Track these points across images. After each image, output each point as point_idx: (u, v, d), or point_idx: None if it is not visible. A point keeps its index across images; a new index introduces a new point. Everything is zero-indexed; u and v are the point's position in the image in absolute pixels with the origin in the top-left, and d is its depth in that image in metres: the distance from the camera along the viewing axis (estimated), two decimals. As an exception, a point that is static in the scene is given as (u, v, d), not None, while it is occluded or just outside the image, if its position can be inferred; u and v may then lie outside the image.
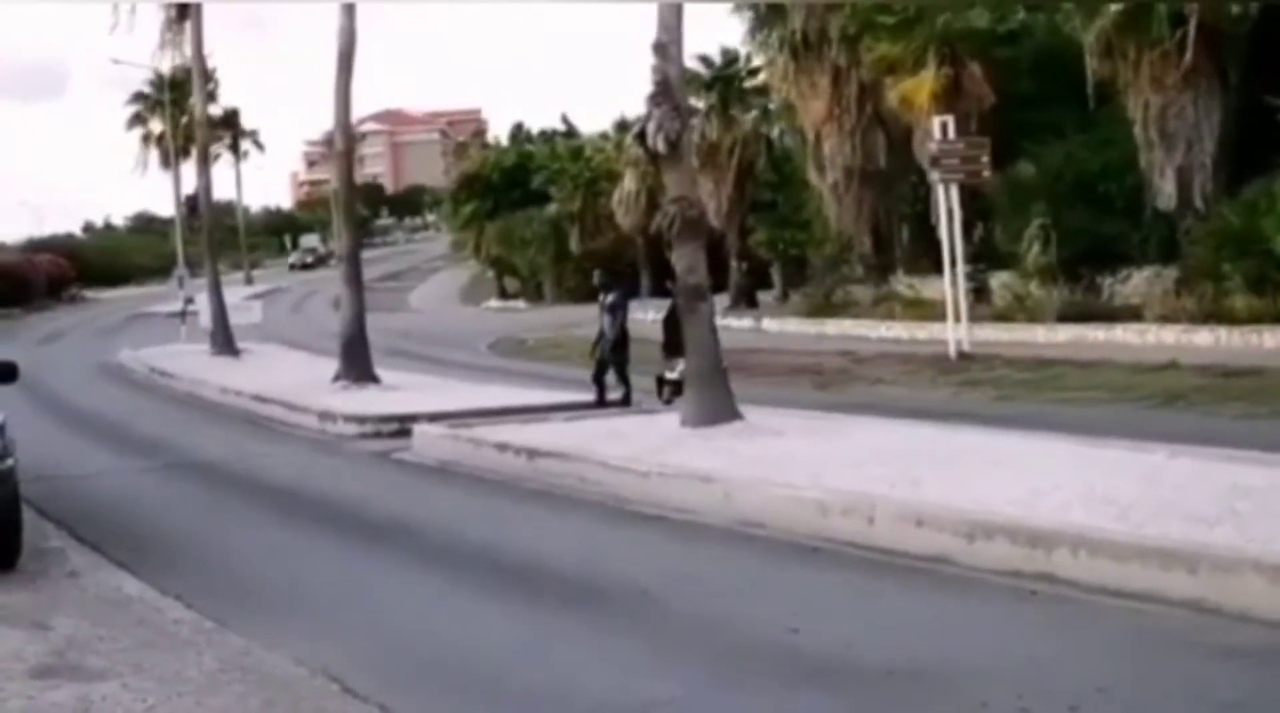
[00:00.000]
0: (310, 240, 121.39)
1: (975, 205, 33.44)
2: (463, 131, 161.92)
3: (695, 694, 8.02)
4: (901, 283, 39.76)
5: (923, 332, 33.65)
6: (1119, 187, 32.76)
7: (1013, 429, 16.46)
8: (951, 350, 29.29)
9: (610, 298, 23.47)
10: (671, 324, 21.55)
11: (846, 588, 10.40)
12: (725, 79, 51.76)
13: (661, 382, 22.24)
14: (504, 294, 74.00)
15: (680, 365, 20.27)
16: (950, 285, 30.13)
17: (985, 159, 30.75)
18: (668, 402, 21.42)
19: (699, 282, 17.99)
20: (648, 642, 9.19)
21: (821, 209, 41.71)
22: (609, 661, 8.78)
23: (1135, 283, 32.85)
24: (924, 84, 35.41)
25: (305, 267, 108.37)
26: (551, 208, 67.46)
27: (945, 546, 10.74)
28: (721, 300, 38.20)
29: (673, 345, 21.25)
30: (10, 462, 12.07)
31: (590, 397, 22.64)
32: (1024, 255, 33.91)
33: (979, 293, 34.34)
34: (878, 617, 9.54)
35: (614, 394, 22.64)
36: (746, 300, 48.27)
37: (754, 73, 50.10)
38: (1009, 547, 10.30)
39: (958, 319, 29.97)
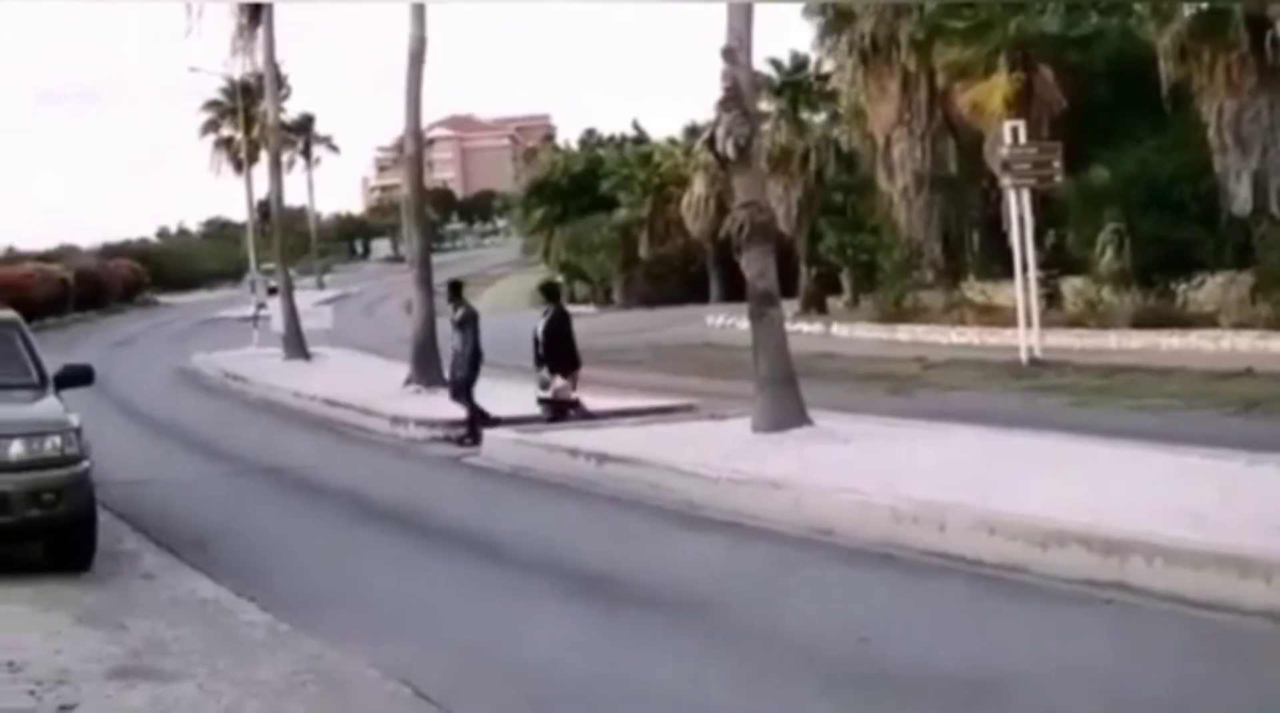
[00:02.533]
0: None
1: (1047, 211, 33.19)
2: (531, 137, 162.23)
3: (764, 703, 8.00)
4: (972, 288, 39.50)
5: (994, 338, 33.42)
6: (1193, 191, 32.43)
7: (1086, 436, 16.31)
8: (1023, 356, 29.08)
9: (459, 313, 21.91)
10: (555, 334, 20.56)
11: (918, 596, 10.35)
12: (795, 83, 51.62)
13: (551, 403, 20.55)
14: (573, 299, 74.00)
15: (557, 382, 20.10)
16: (1022, 291, 29.91)
17: (1057, 164, 30.50)
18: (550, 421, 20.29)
19: (769, 287, 17.95)
20: (718, 649, 9.18)
21: (891, 214, 41.52)
22: (677, 668, 8.77)
23: (1209, 289, 32.50)
24: (996, 89, 35.18)
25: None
26: (621, 213, 67.47)
27: (1018, 554, 10.66)
28: (791, 306, 38.06)
29: (552, 359, 20.38)
30: (86, 464, 12.20)
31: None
32: (1097, 261, 33.63)
33: (1051, 299, 34.08)
34: (949, 625, 9.48)
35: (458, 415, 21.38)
36: (816, 306, 48.08)
37: (824, 77, 49.95)
38: (1083, 555, 10.21)
39: (1029, 325, 29.75)
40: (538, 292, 22.88)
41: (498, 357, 37.97)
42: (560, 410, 20.26)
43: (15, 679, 8.57)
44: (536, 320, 21.07)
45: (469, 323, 21.59)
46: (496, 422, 20.47)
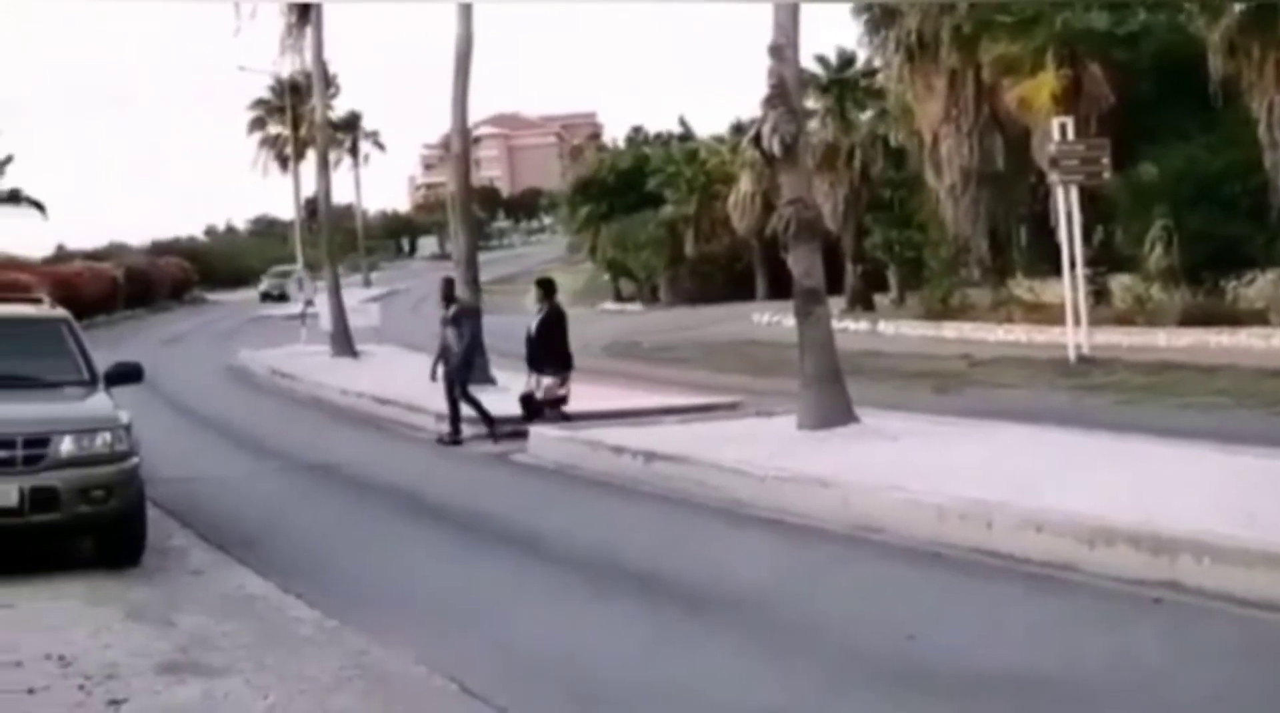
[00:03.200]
0: (285, 268, 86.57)
1: (1095, 207, 33.01)
2: (578, 135, 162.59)
3: (810, 701, 7.99)
4: (1020, 286, 39.32)
5: (1041, 335, 33.27)
6: (1242, 188, 32.19)
7: (1134, 434, 16.23)
8: (1071, 354, 28.94)
9: (453, 310, 21.72)
10: (549, 333, 20.43)
11: (965, 594, 10.32)
12: (842, 81, 51.53)
13: (528, 401, 20.51)
14: (619, 296, 74.14)
15: (546, 381, 20.05)
16: (1070, 288, 29.76)
17: (1105, 160, 30.34)
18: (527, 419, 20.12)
19: (815, 284, 17.93)
20: (763, 647, 9.17)
21: (938, 211, 41.38)
22: (724, 665, 8.77)
23: (1260, 286, 32.26)
24: (1043, 85, 35.01)
25: (279, 297, 77.85)
26: (667, 210, 67.48)
27: (1066, 552, 10.62)
28: (837, 303, 37.98)
29: (545, 358, 20.30)
30: (135, 460, 12.29)
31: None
32: (1145, 258, 33.43)
33: (1099, 296, 33.91)
34: (996, 624, 9.44)
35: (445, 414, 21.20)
36: (862, 303, 47.98)
37: (871, 74, 49.83)
38: (1131, 553, 10.16)
39: (1077, 322, 29.60)
40: (535, 288, 22.21)
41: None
42: (537, 410, 20.18)
43: (65, 674, 8.64)
44: (531, 318, 21.13)
45: (464, 319, 21.53)
46: (457, 437, 20.59)
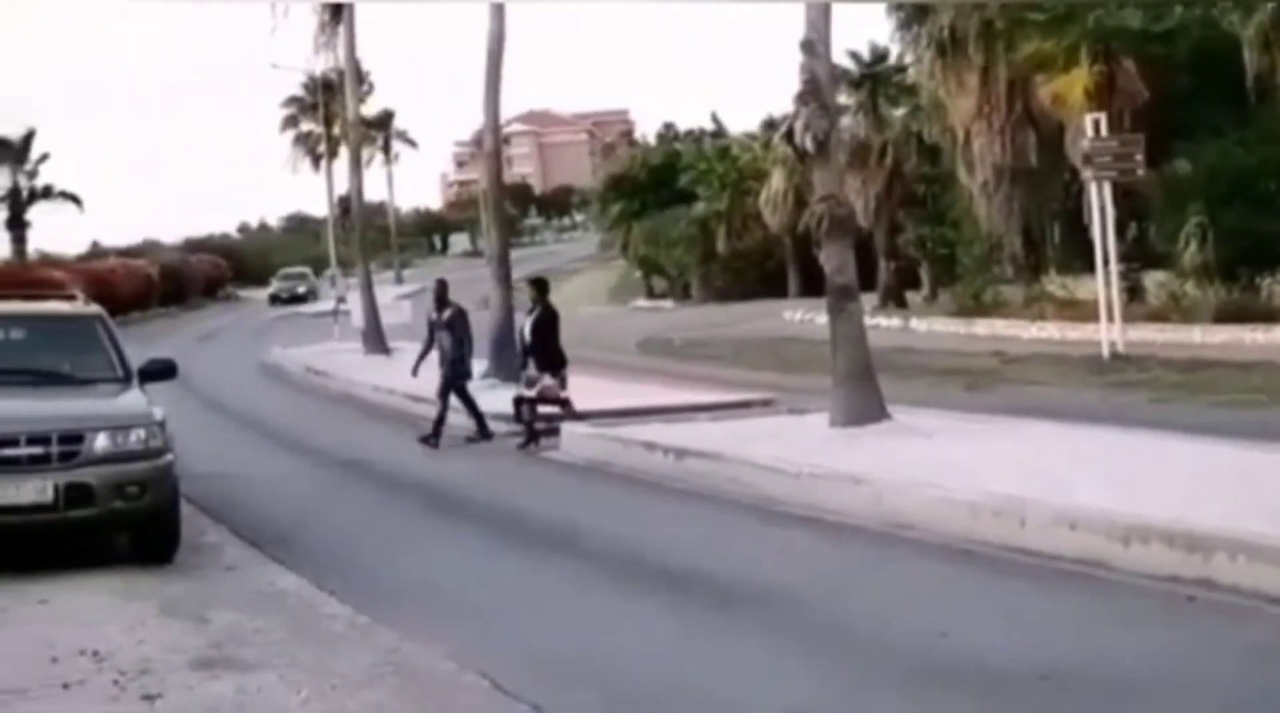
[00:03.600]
0: (295, 270, 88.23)
1: (1129, 204, 32.87)
2: (609, 132, 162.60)
3: (841, 699, 7.98)
4: (1053, 282, 39.17)
5: (1075, 332, 33.14)
6: (1278, 184, 32.01)
7: (1168, 431, 16.15)
8: (1104, 351, 28.82)
9: (447, 314, 21.40)
10: (543, 332, 20.05)
11: (998, 592, 10.30)
12: (874, 76, 51.43)
13: (521, 402, 20.15)
14: (651, 294, 74.08)
15: (545, 380, 19.71)
16: (1103, 285, 29.63)
17: (1139, 157, 30.19)
18: (528, 424, 19.88)
19: (848, 281, 17.89)
20: (795, 645, 9.16)
21: (971, 208, 41.26)
22: (755, 663, 8.76)
23: (1295, 283, 32.08)
24: (1077, 81, 34.87)
25: (289, 300, 77.96)
26: (699, 207, 67.37)
27: (1099, 549, 10.58)
28: (869, 300, 37.91)
29: (539, 357, 19.94)
30: (170, 457, 12.34)
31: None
32: (1179, 254, 33.26)
33: (1133, 293, 33.75)
34: (1029, 621, 9.42)
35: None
36: (895, 300, 47.85)
37: (903, 70, 49.72)
38: (1166, 551, 10.11)
39: (1111, 319, 29.47)
40: (527, 286, 21.46)
41: (577, 350, 38.13)
42: (531, 409, 19.91)
43: (100, 669, 8.68)
44: (525, 317, 20.67)
45: (458, 322, 21.22)
46: (431, 441, 20.33)
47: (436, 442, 20.33)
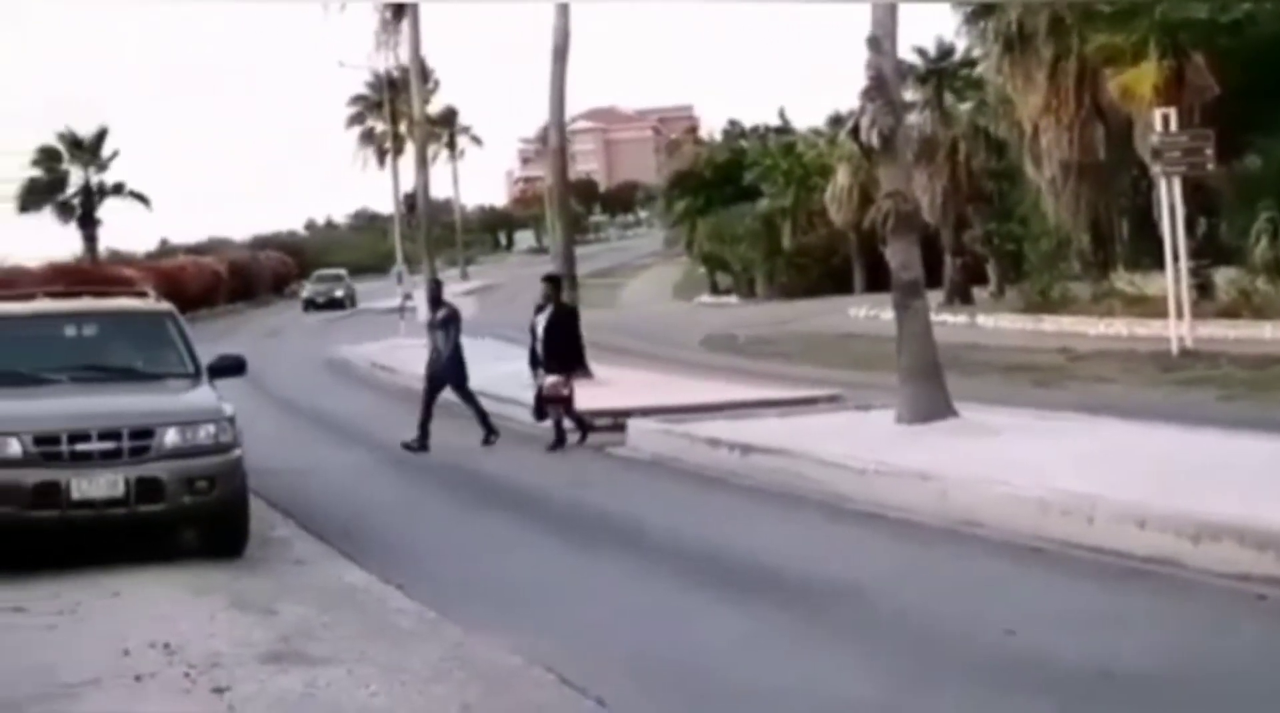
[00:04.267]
0: (331, 272, 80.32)
1: (1199, 199, 32.56)
2: (674, 129, 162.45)
3: (908, 696, 7.95)
4: (1121, 279, 38.87)
5: (1143, 329, 32.87)
6: (1352, 180, 31.68)
7: (1238, 429, 16.00)
8: (1173, 348, 28.58)
9: (441, 314, 20.95)
10: (559, 333, 19.69)
11: (1065, 590, 10.24)
12: (940, 72, 51.18)
13: (540, 399, 19.71)
14: (716, 290, 74.04)
15: (549, 379, 19.24)
16: (1172, 281, 29.39)
17: (1209, 152, 29.91)
18: (554, 424, 19.46)
19: (914, 277, 17.83)
20: (861, 641, 9.14)
21: (1039, 203, 41.02)
22: (820, 659, 8.75)
23: (1369, 279, 31.73)
24: (1145, 75, 34.57)
25: (325, 305, 71.77)
26: (764, 203, 67.27)
27: (1168, 547, 10.49)
28: (935, 296, 37.74)
29: (555, 357, 19.41)
30: (238, 452, 12.46)
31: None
32: (1250, 250, 32.94)
33: (1203, 289, 33.41)
34: (1097, 620, 9.35)
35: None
36: (961, 296, 47.63)
37: (970, 65, 49.44)
38: (1236, 549, 10.03)
39: (1180, 316, 29.21)
40: (542, 284, 20.77)
41: (645, 345, 38.14)
42: (566, 410, 19.55)
43: (171, 662, 8.78)
44: (535, 316, 20.09)
45: (452, 323, 20.79)
46: (421, 445, 19.84)
47: (421, 445, 19.84)
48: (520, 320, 49.16)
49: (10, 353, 13.24)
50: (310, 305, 71.83)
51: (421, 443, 19.89)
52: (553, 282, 20.93)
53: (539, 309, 20.10)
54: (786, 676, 8.39)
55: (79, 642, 9.46)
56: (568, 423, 19.60)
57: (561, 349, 19.70)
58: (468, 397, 20.84)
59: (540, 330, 19.67)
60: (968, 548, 11.77)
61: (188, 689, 8.24)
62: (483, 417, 20.63)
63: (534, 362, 19.85)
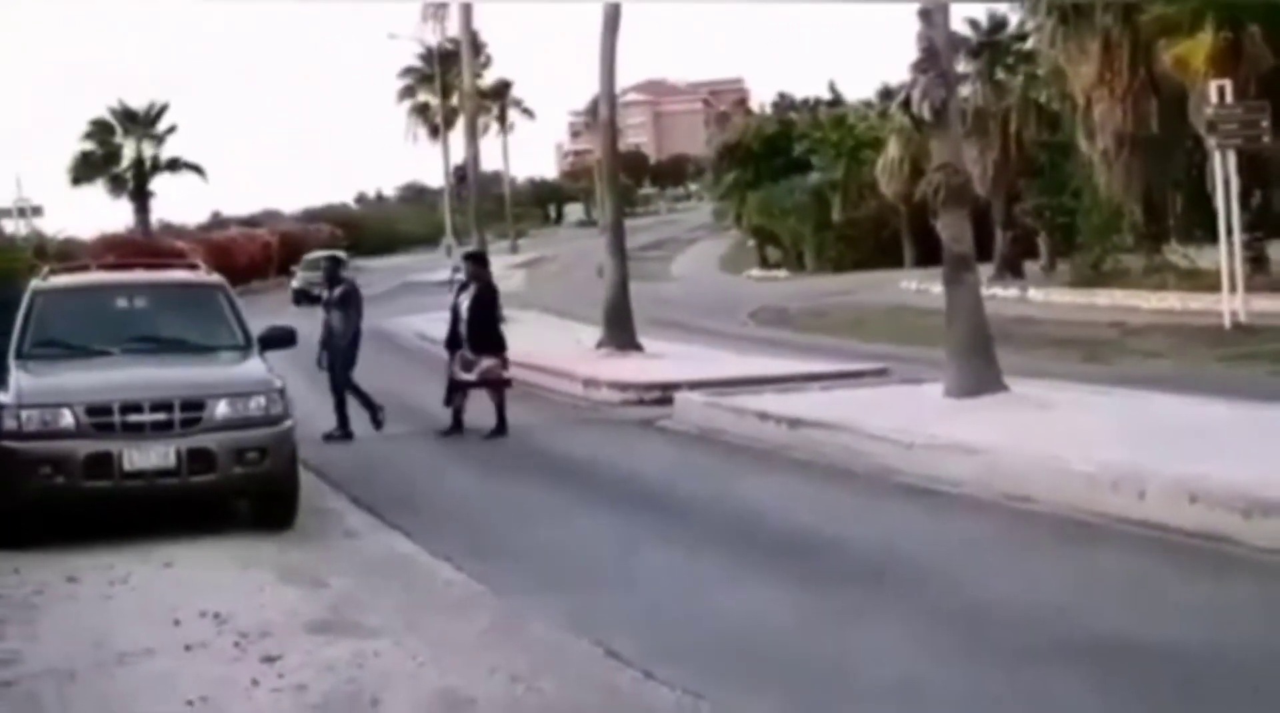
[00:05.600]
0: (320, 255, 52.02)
1: (1253, 172, 32.24)
2: (724, 101, 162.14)
3: (958, 671, 7.93)
4: (1174, 252, 38.59)
5: (1196, 302, 32.64)
6: None
7: (1292, 404, 15.89)
8: (1227, 322, 28.38)
9: (338, 292, 19.31)
10: (482, 313, 18.75)
11: (1115, 565, 10.19)
12: (993, 44, 50.91)
13: (454, 386, 18.76)
14: (765, 263, 73.89)
15: (484, 362, 18.45)
16: (1226, 255, 29.17)
17: (1265, 124, 29.63)
18: (454, 409, 18.57)
19: (965, 250, 17.75)
20: (911, 615, 9.11)
21: (1091, 176, 40.74)
22: (871, 633, 8.74)
23: None
24: (1201, 47, 34.23)
25: (318, 299, 34.25)
26: (813, 176, 67.08)
27: (1221, 522, 10.42)
28: (986, 269, 37.56)
29: (479, 338, 18.58)
30: (289, 423, 12.53)
31: None
32: (1306, 223, 32.66)
33: (1257, 262, 33.15)
34: (1147, 595, 9.31)
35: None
36: (1012, 270, 47.39)
37: (1023, 37, 49.13)
38: (1289, 525, 9.96)
39: (1233, 290, 28.99)
40: (464, 261, 19.71)
41: (694, 319, 38.08)
42: (464, 395, 18.66)
43: (221, 632, 8.85)
44: (458, 295, 19.31)
45: (351, 300, 19.28)
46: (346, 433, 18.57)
47: (348, 432, 18.65)
48: (570, 295, 49.37)
49: (63, 325, 13.36)
50: (302, 298, 51.54)
51: (345, 431, 18.66)
52: (477, 259, 19.90)
53: (461, 288, 19.27)
54: (836, 649, 8.39)
55: (131, 611, 9.55)
56: (467, 415, 18.67)
57: (487, 330, 18.79)
58: (348, 385, 19.04)
59: (465, 311, 18.74)
60: (1016, 522, 11.73)
61: (237, 658, 8.31)
62: (366, 403, 19.10)
63: (454, 344, 18.89)
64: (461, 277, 20.38)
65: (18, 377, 12.28)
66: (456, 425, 18.75)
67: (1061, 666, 7.81)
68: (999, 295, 37.35)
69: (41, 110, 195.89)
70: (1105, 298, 37.14)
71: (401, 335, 38.17)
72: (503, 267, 49.66)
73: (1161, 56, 36.02)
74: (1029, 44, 48.09)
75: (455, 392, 18.78)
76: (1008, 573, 10.17)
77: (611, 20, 28.78)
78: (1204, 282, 33.08)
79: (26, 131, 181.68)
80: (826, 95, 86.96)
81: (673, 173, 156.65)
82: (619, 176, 33.96)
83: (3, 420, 11.80)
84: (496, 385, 18.73)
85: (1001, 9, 49.77)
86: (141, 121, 74.93)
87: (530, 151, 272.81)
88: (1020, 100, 48.16)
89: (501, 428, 18.49)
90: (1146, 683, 7.52)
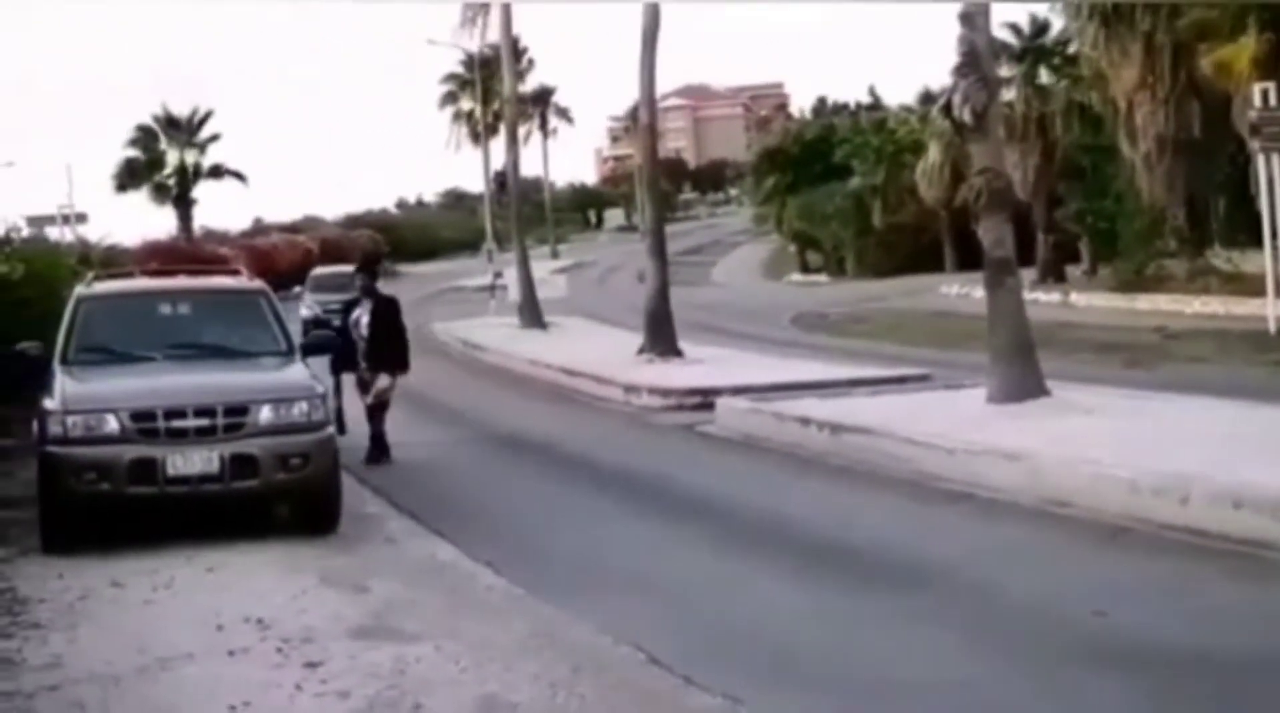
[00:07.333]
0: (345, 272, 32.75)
1: (1298, 175, 32.06)
2: (764, 106, 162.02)
3: (996, 675, 7.92)
4: (1218, 256, 38.39)
5: (1240, 307, 32.44)
6: None
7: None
8: (1271, 326, 28.20)
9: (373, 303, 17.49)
10: (384, 330, 17.16)
11: (1157, 571, 10.13)
12: (1035, 48, 50.67)
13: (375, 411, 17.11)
14: (806, 268, 73.84)
15: (381, 382, 16.92)
16: (1270, 259, 28.97)
17: (1309, 127, 29.44)
18: (377, 436, 16.98)
19: (1006, 255, 17.68)
20: (951, 621, 9.09)
21: (1133, 180, 40.56)
22: (910, 639, 8.72)
23: None
24: (1244, 50, 34.03)
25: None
26: (854, 181, 66.99)
27: (1265, 529, 10.36)
28: (1028, 274, 37.42)
29: (383, 358, 17.08)
30: (331, 429, 12.57)
31: None
32: (1351, 227, 32.38)
33: (1301, 267, 32.92)
34: (1190, 601, 9.26)
35: None
36: (1054, 274, 47.23)
37: (1064, 42, 48.90)
38: (1333, 532, 9.89)
39: (1278, 294, 28.82)
40: (355, 273, 18.10)
41: (735, 324, 38.06)
42: (381, 417, 17.15)
43: (264, 637, 8.89)
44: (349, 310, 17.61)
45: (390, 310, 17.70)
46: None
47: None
48: (611, 301, 49.41)
49: (108, 331, 13.43)
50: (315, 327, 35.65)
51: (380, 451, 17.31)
52: (368, 271, 18.22)
53: (351, 304, 17.66)
54: (876, 655, 8.38)
55: (174, 617, 9.60)
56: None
57: (390, 345, 17.27)
58: (337, 390, 16.55)
59: (364, 328, 17.14)
60: (1057, 528, 11.69)
61: (280, 664, 8.34)
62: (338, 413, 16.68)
63: (348, 365, 16.93)
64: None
65: (63, 383, 12.35)
66: (383, 450, 17.19)
67: (1102, 670, 7.78)
68: (1041, 300, 37.23)
69: (85, 118, 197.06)
70: (1148, 303, 36.97)
71: (447, 342, 38.30)
72: (543, 272, 49.79)
73: (1203, 60, 35.85)
74: (1071, 48, 47.83)
75: (374, 416, 17.10)
76: (1048, 578, 10.13)
77: (651, 26, 28.79)
78: (1248, 286, 32.89)
79: (71, 139, 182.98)
80: (867, 100, 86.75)
81: (713, 178, 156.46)
82: (659, 182, 33.97)
83: (48, 426, 11.88)
84: (382, 408, 17.20)
85: (1043, 12, 49.45)
86: (185, 128, 75.32)
87: (570, 157, 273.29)
88: (1063, 104, 47.96)
89: (382, 451, 17.11)
90: (1187, 689, 7.48)
